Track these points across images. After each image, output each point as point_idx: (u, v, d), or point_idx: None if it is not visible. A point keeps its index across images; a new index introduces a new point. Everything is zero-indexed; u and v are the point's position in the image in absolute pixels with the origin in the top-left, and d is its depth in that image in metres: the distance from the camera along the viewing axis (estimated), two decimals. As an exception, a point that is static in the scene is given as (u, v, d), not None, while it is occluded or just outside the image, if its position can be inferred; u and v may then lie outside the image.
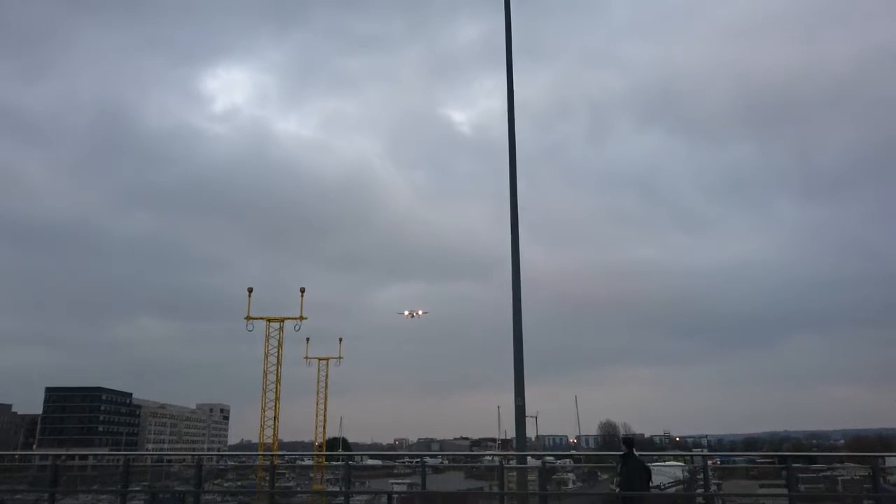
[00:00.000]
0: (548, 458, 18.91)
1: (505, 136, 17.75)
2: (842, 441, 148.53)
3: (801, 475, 16.47)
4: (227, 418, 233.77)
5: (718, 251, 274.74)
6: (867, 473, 15.42)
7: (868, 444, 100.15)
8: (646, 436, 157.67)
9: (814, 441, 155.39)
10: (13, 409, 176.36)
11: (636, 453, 14.07)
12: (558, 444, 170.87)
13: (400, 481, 28.48)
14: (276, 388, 55.28)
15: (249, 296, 55.32)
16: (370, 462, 44.98)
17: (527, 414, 17.28)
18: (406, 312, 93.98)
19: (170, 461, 36.77)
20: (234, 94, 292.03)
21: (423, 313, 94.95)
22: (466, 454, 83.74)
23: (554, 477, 24.19)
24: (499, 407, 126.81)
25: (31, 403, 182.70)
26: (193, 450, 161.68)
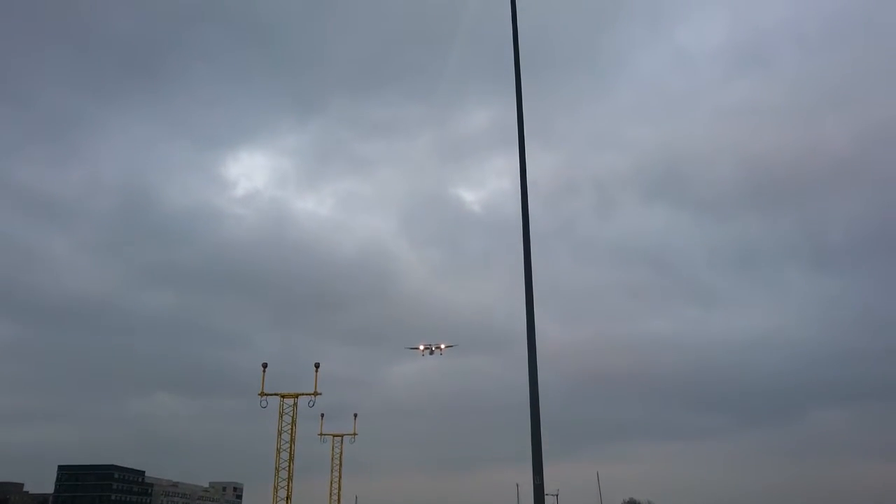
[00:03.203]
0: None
1: (516, 213, 17.99)
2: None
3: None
4: (240, 497, 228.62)
5: (732, 324, 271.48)
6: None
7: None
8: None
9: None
10: (25, 489, 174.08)
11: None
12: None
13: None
14: (290, 466, 54.28)
15: (264, 372, 55.13)
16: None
17: (546, 492, 16.80)
18: (421, 347, 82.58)
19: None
20: (255, 177, 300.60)
21: (447, 347, 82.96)
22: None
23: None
24: (517, 485, 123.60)
25: (43, 482, 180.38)
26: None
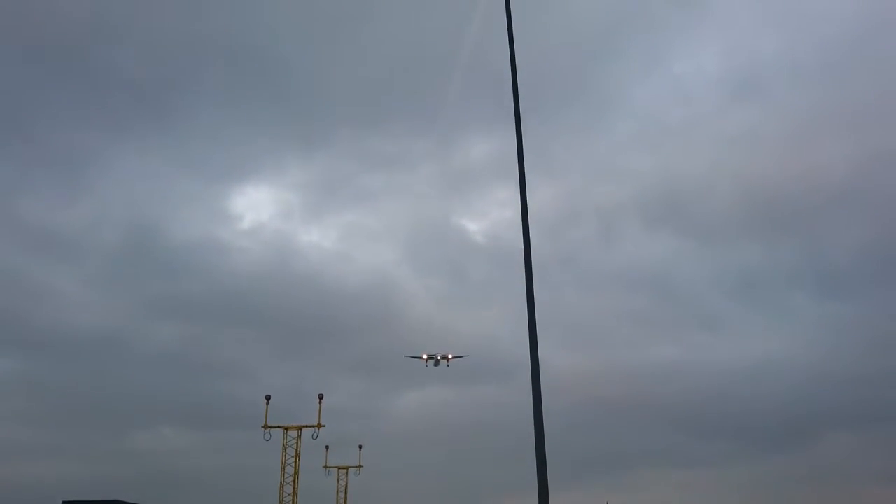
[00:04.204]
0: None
1: (518, 242, 18.09)
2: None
3: None
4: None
5: (738, 349, 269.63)
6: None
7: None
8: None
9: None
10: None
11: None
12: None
13: None
14: (294, 500, 53.73)
15: (267, 404, 54.86)
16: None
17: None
18: (424, 357, 73.11)
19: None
20: (261, 210, 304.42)
21: (454, 357, 73.24)
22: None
23: None
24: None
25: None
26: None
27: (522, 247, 18.27)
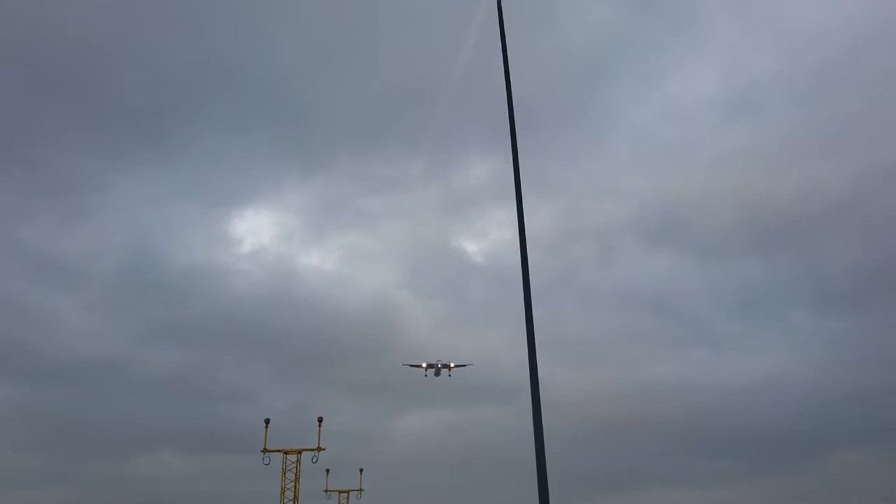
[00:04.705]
0: None
1: (518, 263, 18.14)
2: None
3: None
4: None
5: (740, 366, 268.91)
6: None
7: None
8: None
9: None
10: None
11: None
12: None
13: None
14: (294, 525, 53.20)
15: (266, 428, 54.47)
16: None
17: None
18: (424, 365, 67.19)
19: None
20: (261, 234, 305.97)
21: (457, 367, 67.03)
22: None
23: None
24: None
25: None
26: None
27: (521, 267, 18.32)
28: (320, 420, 55.67)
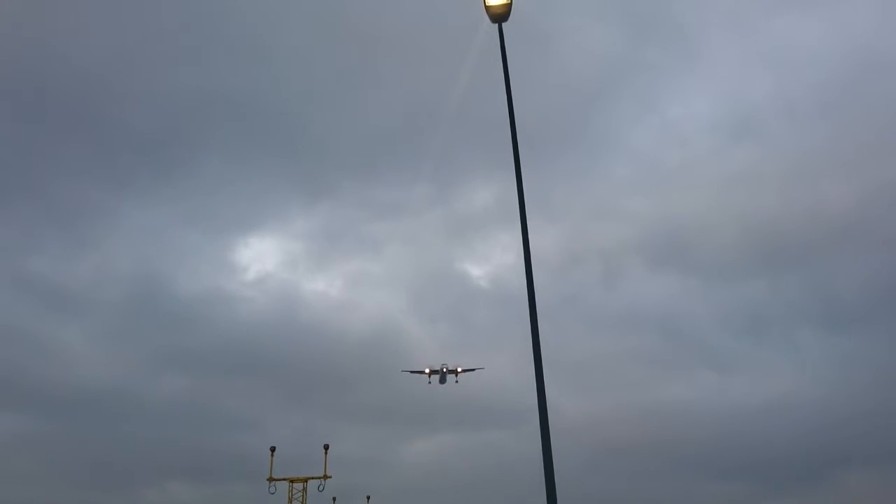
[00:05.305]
0: None
1: (522, 286, 18.20)
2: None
3: None
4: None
5: (749, 387, 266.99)
6: None
7: None
8: None
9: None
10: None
11: None
12: None
13: None
14: (300, 555, 52.62)
15: (272, 456, 54.10)
16: None
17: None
18: (427, 371, 61.05)
19: None
20: (266, 261, 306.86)
21: (464, 371, 60.06)
22: None
23: None
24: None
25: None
26: None
27: (526, 290, 18.40)
28: (326, 447, 55.30)
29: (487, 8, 21.65)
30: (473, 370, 61.44)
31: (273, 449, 54.06)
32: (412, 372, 63.40)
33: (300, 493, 54.10)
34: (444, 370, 61.25)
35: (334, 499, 66.30)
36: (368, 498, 71.16)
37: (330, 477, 54.28)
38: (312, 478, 54.62)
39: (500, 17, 21.64)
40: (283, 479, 54.13)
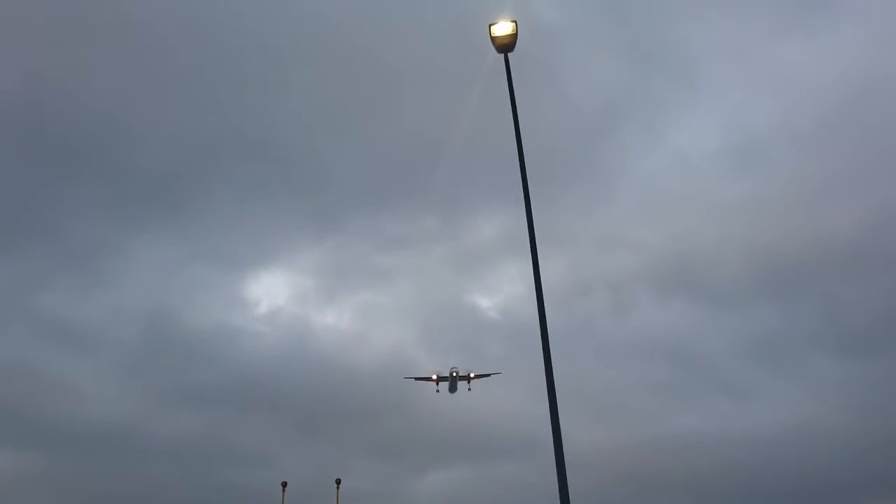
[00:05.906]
0: None
1: (532, 317, 18.19)
2: None
3: None
4: None
5: (763, 415, 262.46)
6: None
7: None
8: None
9: None
10: None
11: None
12: None
13: None
14: (313, 593, 51.71)
15: (283, 492, 53.52)
16: None
17: None
18: (434, 377, 55.09)
19: None
20: (276, 295, 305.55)
21: (478, 377, 53.99)
22: None
23: None
24: None
25: None
26: None
27: (538, 320, 18.35)
28: (338, 482, 54.65)
29: (493, 39, 22.26)
30: (489, 375, 54.71)
31: (285, 484, 53.45)
32: (417, 378, 57.79)
33: (312, 530, 53.41)
34: (455, 375, 55.17)
35: (346, 535, 65.38)
36: (381, 534, 70.07)
37: (341, 512, 53.62)
38: (324, 513, 54.00)
39: (505, 47, 22.29)
40: (295, 516, 53.51)
